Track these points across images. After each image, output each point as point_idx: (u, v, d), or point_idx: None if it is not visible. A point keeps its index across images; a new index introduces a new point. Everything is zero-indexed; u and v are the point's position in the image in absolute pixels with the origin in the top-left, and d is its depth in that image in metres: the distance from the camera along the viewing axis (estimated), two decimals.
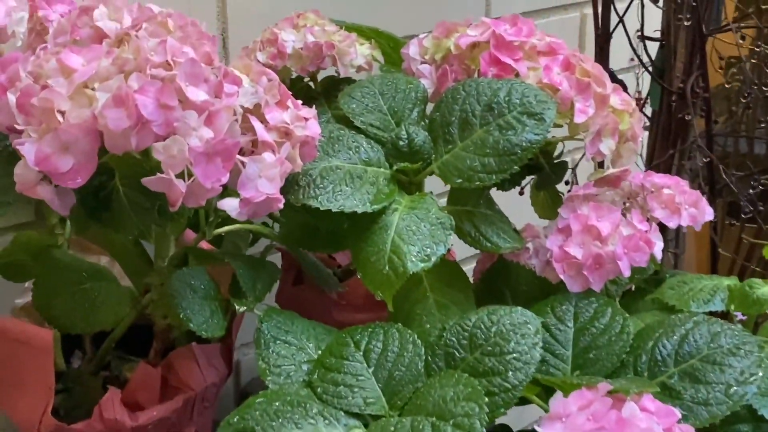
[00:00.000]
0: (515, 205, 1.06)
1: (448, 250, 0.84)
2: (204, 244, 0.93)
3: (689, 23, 1.29)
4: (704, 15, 1.30)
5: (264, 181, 0.75)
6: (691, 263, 1.72)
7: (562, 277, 0.90)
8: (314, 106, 0.88)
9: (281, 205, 0.77)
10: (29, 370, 0.84)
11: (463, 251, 0.99)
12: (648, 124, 1.45)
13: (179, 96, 0.70)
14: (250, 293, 0.86)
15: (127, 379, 0.92)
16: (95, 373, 0.94)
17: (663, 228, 0.95)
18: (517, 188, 1.01)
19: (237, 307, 0.84)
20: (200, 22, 0.80)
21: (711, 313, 0.89)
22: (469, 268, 1.07)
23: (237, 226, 0.91)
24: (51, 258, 0.88)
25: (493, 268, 0.98)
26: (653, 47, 1.42)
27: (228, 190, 0.76)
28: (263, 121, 0.78)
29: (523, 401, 0.81)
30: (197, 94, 0.70)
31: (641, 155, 1.46)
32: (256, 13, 1.19)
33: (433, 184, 0.93)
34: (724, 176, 1.31)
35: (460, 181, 0.88)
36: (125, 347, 0.95)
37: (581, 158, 0.95)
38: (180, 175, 0.70)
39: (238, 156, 0.74)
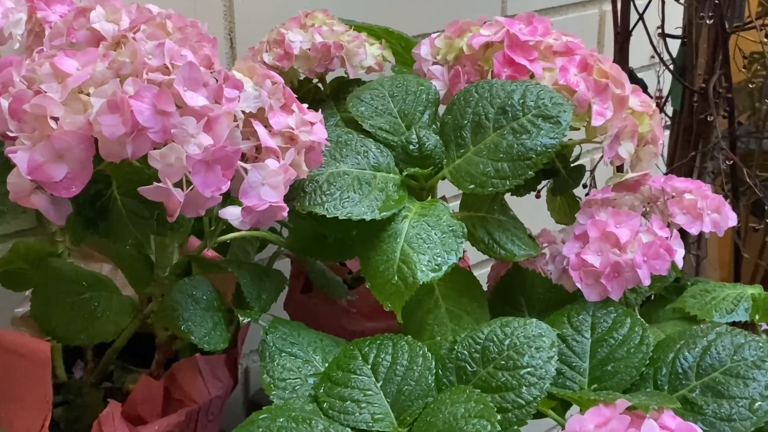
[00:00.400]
0: (532, 208, 1.03)
1: (461, 257, 0.82)
2: (209, 252, 0.90)
3: (711, 21, 1.25)
4: (726, 11, 1.26)
5: (267, 188, 0.72)
6: (714, 263, 1.68)
7: (579, 285, 0.87)
8: (322, 109, 0.85)
9: (285, 214, 0.74)
10: (27, 383, 0.82)
11: (477, 255, 0.96)
12: (669, 123, 1.42)
13: (177, 101, 0.67)
14: (255, 303, 0.84)
15: (129, 390, 0.89)
16: (97, 385, 0.91)
17: (684, 231, 0.92)
18: (533, 192, 0.98)
19: (241, 319, 0.81)
20: (205, 23, 0.77)
21: (734, 324, 0.86)
22: (484, 272, 1.04)
23: (243, 233, 0.89)
24: (50, 267, 0.85)
25: (508, 275, 0.95)
26: (674, 45, 1.39)
27: (231, 198, 0.73)
28: (267, 126, 0.75)
29: (539, 415, 0.78)
30: (196, 100, 0.67)
31: (662, 155, 1.43)
32: (265, 12, 1.16)
33: (447, 187, 0.90)
34: (747, 179, 1.27)
35: (472, 187, 0.85)
36: (129, 357, 0.93)
37: (600, 160, 0.92)
38: (178, 184, 0.67)
39: (240, 163, 0.71)
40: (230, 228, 0.84)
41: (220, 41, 1.14)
